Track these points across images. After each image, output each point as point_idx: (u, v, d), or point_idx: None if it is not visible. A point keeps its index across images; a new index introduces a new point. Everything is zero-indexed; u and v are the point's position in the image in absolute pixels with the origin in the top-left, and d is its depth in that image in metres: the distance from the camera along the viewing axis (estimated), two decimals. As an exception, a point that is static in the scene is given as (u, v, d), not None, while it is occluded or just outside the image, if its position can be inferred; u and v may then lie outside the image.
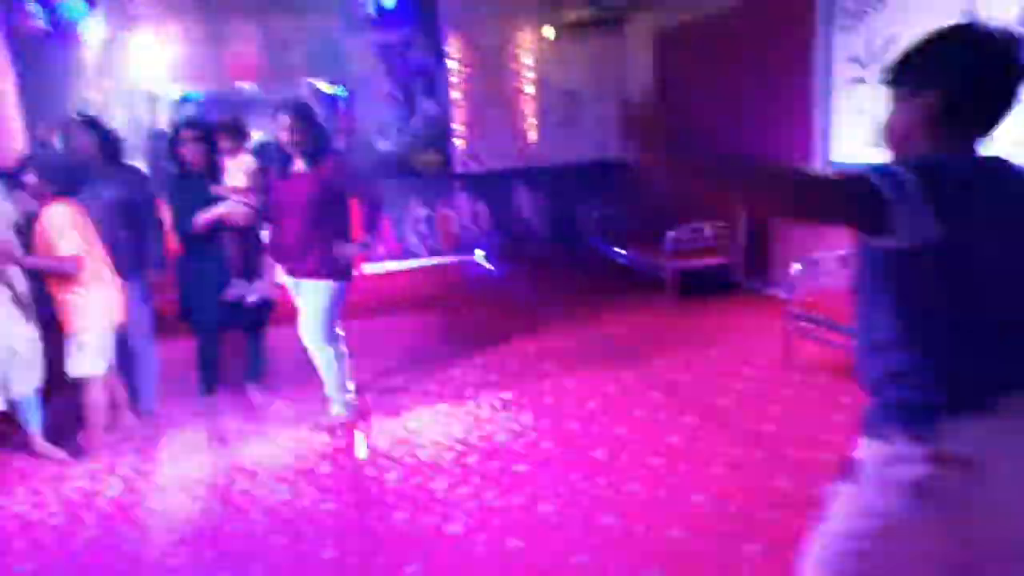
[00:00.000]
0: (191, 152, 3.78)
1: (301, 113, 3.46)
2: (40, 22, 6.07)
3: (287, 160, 3.53)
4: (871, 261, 1.28)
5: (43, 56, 6.13)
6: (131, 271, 3.63)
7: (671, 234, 5.50)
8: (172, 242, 3.94)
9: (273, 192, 3.61)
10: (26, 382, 3.31)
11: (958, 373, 1.19)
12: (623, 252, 6.37)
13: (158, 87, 6.64)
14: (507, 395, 3.97)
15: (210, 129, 3.94)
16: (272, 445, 3.53)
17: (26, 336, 3.29)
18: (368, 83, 7.30)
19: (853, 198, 1.18)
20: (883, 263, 1.24)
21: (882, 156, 1.38)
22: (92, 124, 3.76)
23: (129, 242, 3.67)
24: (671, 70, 6.75)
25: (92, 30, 6.24)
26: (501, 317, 5.73)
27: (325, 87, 7.28)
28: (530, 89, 7.61)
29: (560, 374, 4.23)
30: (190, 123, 4.02)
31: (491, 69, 7.46)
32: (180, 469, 3.36)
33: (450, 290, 6.85)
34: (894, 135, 1.37)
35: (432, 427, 3.63)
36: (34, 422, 3.39)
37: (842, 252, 4.23)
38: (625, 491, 2.83)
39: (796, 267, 3.98)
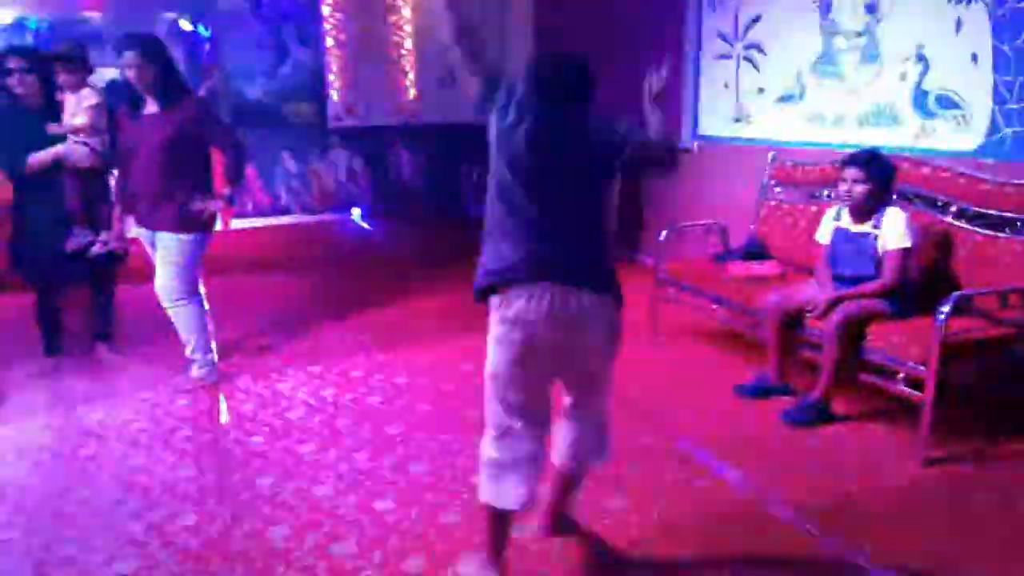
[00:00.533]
0: (22, 84, 3.39)
1: (149, 49, 3.18)
2: None
3: (138, 100, 3.25)
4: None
5: None
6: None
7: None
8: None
9: (122, 134, 3.33)
10: None
11: (506, 259, 1.89)
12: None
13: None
14: (380, 357, 3.92)
15: (45, 59, 3.53)
16: (125, 409, 3.30)
17: None
18: (235, 24, 6.82)
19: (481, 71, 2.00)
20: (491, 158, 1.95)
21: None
22: None
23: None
24: (551, 35, 6.77)
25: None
26: (376, 278, 5.63)
27: (185, 24, 6.72)
28: (409, 42, 7.39)
29: (435, 335, 4.22)
30: (19, 50, 3.59)
31: (368, 17, 7.17)
32: (19, 433, 3.08)
33: (324, 249, 6.63)
34: None
35: (301, 390, 3.52)
36: None
37: (707, 222, 4.46)
38: (497, 450, 2.88)
39: (663, 235, 4.15)
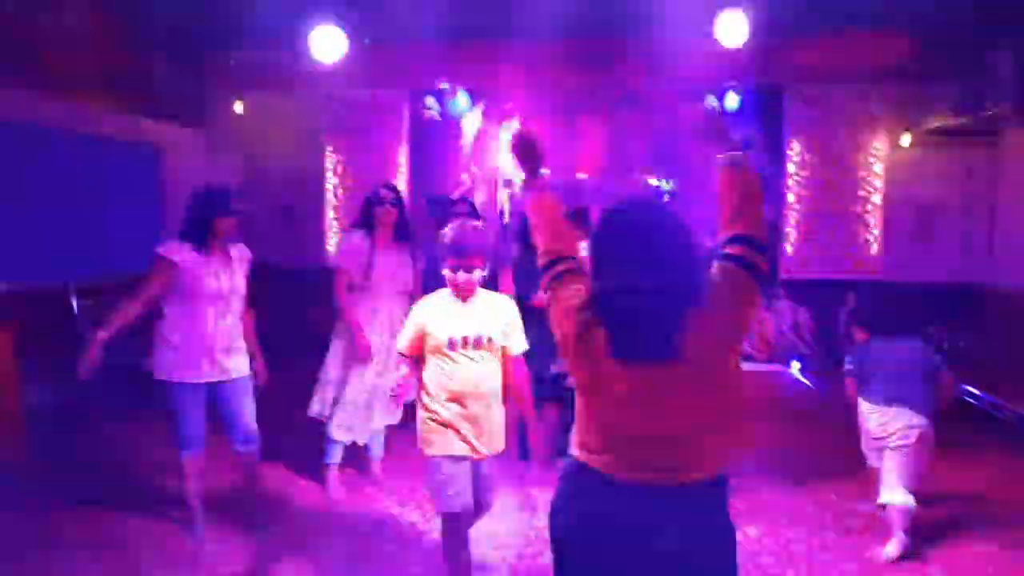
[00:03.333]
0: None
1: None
2: (434, 112, 7.25)
3: None
4: None
5: (431, 140, 7.28)
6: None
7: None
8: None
9: None
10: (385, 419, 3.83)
11: None
12: (979, 393, 5.45)
13: (512, 174, 7.44)
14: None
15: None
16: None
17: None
18: (701, 181, 7.40)
19: None
20: None
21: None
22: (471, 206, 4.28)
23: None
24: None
25: (470, 122, 7.27)
26: (815, 440, 5.23)
27: (655, 181, 7.53)
28: (877, 199, 7.07)
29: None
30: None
31: (834, 175, 7.10)
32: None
33: (759, 402, 6.46)
34: None
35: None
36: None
37: None
38: None
39: None
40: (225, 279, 3.26)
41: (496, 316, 2.65)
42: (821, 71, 6.84)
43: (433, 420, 2.54)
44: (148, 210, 6.32)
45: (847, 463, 4.13)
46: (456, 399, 2.53)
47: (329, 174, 7.42)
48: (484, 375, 2.58)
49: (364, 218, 3.92)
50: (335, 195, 7.44)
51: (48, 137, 5.37)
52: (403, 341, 2.63)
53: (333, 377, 3.88)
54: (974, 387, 5.50)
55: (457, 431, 2.53)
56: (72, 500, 3.83)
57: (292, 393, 3.99)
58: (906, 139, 6.92)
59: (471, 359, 2.55)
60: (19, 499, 3.78)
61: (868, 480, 3.71)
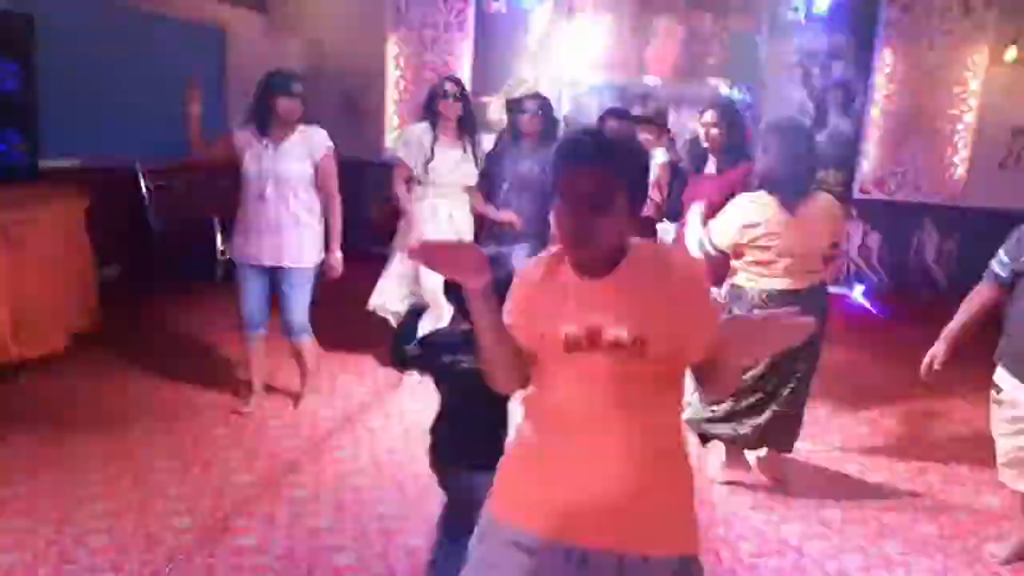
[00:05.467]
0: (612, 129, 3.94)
1: (727, 111, 3.41)
2: (500, 4, 6.93)
3: (703, 158, 3.51)
4: None
5: (497, 34, 6.99)
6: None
7: None
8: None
9: (685, 190, 3.62)
10: None
11: None
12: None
13: (580, 74, 7.12)
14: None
15: (633, 119, 4.07)
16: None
17: None
18: (780, 90, 6.98)
19: None
20: None
21: None
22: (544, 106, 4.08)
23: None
24: None
25: (539, 16, 6.93)
26: (873, 368, 5.11)
27: (727, 90, 7.11)
28: (970, 118, 6.57)
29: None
30: (615, 112, 4.17)
31: (925, 90, 6.60)
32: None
33: (819, 324, 6.29)
34: None
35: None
36: None
37: None
38: None
39: None
40: (268, 160, 3.20)
41: None
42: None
43: None
44: (211, 92, 6.30)
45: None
46: None
47: (391, 65, 7.23)
48: None
49: (428, 111, 3.83)
50: (396, 87, 7.27)
51: (113, 14, 5.33)
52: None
53: (395, 273, 3.89)
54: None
55: None
56: (143, 371, 4.02)
57: (348, 289, 4.05)
58: (1011, 53, 6.35)
59: None
60: (98, 370, 3.98)
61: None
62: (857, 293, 6.94)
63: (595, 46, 7.00)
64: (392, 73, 7.25)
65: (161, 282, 5.29)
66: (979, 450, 3.23)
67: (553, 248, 1.46)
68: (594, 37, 6.96)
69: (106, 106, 5.16)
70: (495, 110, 6.74)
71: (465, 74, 6.87)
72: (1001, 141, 6.51)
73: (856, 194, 6.89)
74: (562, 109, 6.88)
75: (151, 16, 5.65)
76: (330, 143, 3.38)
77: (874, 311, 6.63)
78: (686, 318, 1.34)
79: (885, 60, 6.66)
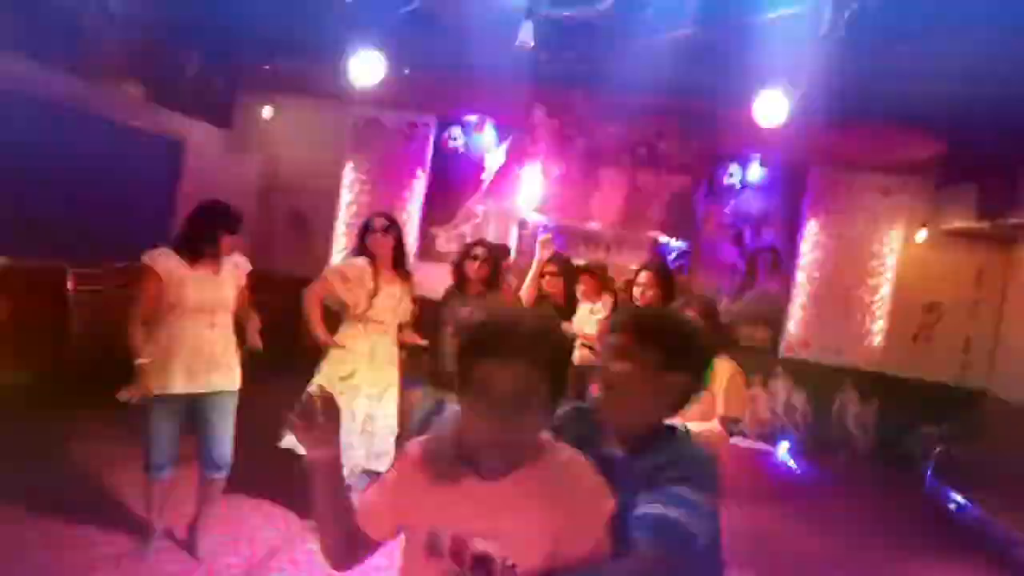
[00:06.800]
0: (552, 284, 4.05)
1: (662, 274, 3.56)
2: (459, 144, 7.26)
3: None
4: None
5: (452, 169, 7.27)
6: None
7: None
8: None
9: None
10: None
11: None
12: (963, 502, 5.36)
13: (527, 213, 7.42)
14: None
15: (575, 269, 4.19)
16: None
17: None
18: (712, 247, 7.38)
19: None
20: None
21: None
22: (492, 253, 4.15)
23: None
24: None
25: (493, 159, 7.27)
26: (789, 529, 5.12)
27: (664, 239, 7.46)
28: (885, 290, 7.04)
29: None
30: (558, 259, 4.29)
31: (847, 261, 7.08)
32: None
33: (740, 479, 6.35)
34: None
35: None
36: None
37: None
38: None
39: None
40: (213, 290, 3.17)
41: None
42: (848, 157, 6.87)
43: None
44: (163, 202, 6.29)
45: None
46: None
47: (345, 190, 7.40)
48: None
49: (360, 245, 3.77)
50: (348, 211, 7.42)
51: (73, 118, 5.34)
52: None
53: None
54: (961, 494, 5.41)
55: None
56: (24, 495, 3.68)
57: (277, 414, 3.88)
58: (921, 235, 6.92)
59: None
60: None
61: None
62: (782, 450, 7.08)
63: (544, 189, 7.34)
64: (345, 196, 7.40)
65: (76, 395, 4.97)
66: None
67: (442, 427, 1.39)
68: (543, 181, 7.31)
69: (41, 206, 5.04)
70: (443, 242, 6.91)
71: (417, 204, 7.07)
72: (913, 315, 6.96)
73: (783, 353, 7.18)
74: (511, 242, 7.12)
75: (109, 121, 5.68)
76: (248, 264, 3.38)
77: (797, 469, 6.75)
78: (572, 546, 1.21)
79: (811, 229, 7.15)
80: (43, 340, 5.01)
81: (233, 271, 3.27)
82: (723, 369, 2.89)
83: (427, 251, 7.21)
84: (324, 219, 7.36)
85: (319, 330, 3.62)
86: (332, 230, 7.39)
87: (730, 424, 2.89)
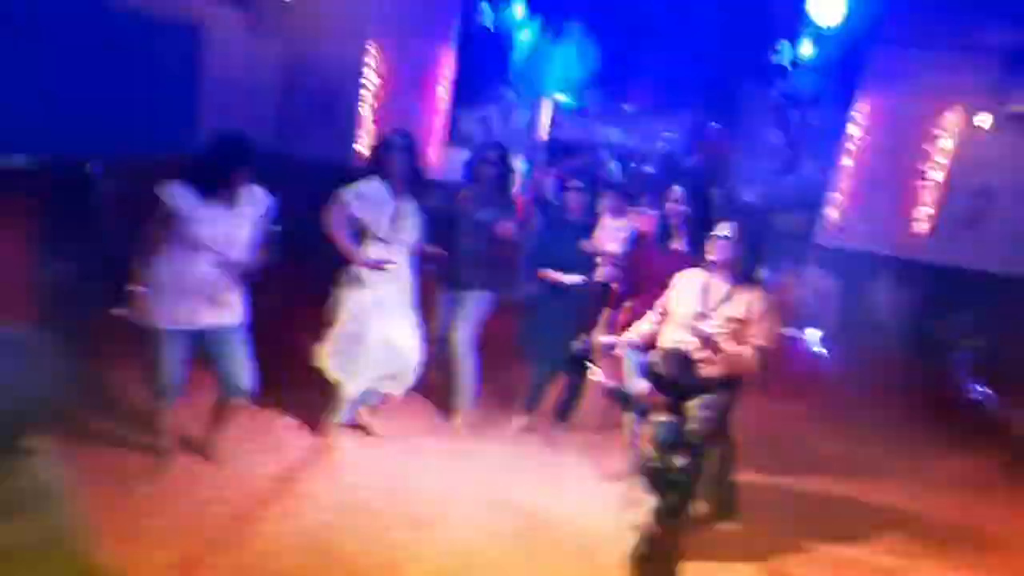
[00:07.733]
0: (575, 200, 3.94)
1: (696, 191, 3.46)
2: (487, 21, 6.87)
3: (668, 234, 3.53)
4: None
5: (480, 51, 6.92)
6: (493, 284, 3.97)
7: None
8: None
9: (644, 265, 3.63)
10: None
11: None
12: (985, 391, 5.34)
13: (559, 95, 7.10)
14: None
15: (599, 183, 4.06)
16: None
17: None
18: (755, 130, 7.02)
19: None
20: None
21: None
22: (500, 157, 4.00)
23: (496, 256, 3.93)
24: None
25: (523, 37, 6.87)
26: (806, 418, 5.18)
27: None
28: (937, 175, 6.66)
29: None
30: (582, 176, 4.18)
31: (897, 144, 6.67)
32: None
33: (767, 365, 6.39)
34: None
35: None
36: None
37: None
38: None
39: None
40: (226, 226, 3.10)
41: None
42: (909, 32, 6.28)
43: None
44: (185, 89, 6.17)
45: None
46: None
47: (370, 72, 7.12)
48: None
49: (375, 165, 3.67)
50: (373, 96, 7.17)
51: (89, 7, 5.15)
52: None
53: (343, 335, 3.68)
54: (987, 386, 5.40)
55: None
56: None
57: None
58: (983, 118, 6.43)
59: None
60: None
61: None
62: (813, 337, 7.05)
63: (577, 68, 6.98)
64: (369, 80, 7.14)
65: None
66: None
67: None
68: (577, 60, 6.93)
69: (64, 102, 4.97)
70: (469, 123, 6.70)
71: (445, 88, 6.81)
72: (964, 202, 6.61)
73: (820, 240, 6.98)
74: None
75: (125, 8, 5.48)
76: (269, 200, 3.28)
77: (826, 357, 6.75)
78: None
79: (863, 110, 6.70)
80: (72, 237, 5.07)
81: (250, 206, 3.19)
82: (760, 301, 3.08)
83: (452, 136, 6.98)
84: (348, 104, 7.15)
85: (351, 251, 3.58)
86: (356, 113, 7.19)
87: (759, 352, 3.11)
